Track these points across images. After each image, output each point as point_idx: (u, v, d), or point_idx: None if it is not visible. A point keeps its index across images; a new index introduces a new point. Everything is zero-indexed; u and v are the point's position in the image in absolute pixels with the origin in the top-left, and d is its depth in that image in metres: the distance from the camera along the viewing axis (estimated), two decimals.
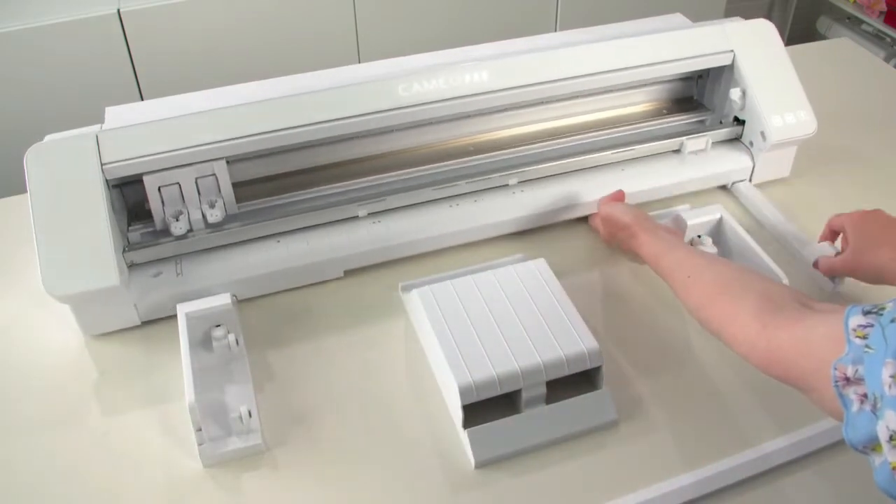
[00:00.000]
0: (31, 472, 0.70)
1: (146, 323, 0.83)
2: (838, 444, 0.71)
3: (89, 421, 0.75)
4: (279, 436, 0.73)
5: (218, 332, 0.78)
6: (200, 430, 0.68)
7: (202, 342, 0.79)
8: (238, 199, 0.87)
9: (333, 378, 0.78)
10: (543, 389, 0.72)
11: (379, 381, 0.78)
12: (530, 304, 0.77)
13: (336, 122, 0.85)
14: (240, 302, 0.86)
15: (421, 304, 0.78)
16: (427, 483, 0.69)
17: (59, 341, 0.82)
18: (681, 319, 0.83)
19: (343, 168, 0.92)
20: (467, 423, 0.70)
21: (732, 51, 0.97)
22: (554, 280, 0.80)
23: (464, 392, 0.69)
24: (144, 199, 0.84)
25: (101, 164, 0.79)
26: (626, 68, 0.94)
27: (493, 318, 0.76)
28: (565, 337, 0.74)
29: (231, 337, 0.78)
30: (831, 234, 0.87)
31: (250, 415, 0.71)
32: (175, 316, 0.79)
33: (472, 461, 0.69)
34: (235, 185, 0.86)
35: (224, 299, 0.80)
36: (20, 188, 0.83)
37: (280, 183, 0.90)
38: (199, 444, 0.69)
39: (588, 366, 0.73)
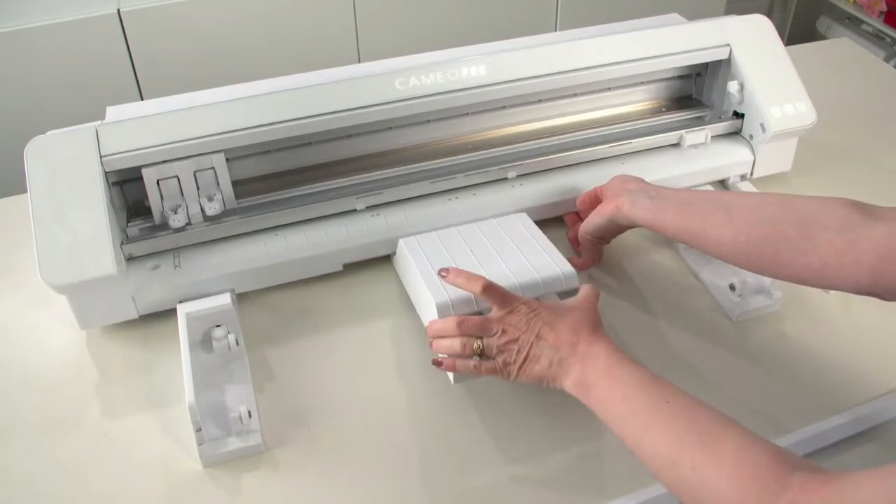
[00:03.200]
0: (31, 473, 0.70)
1: (146, 322, 0.83)
2: (832, 447, 0.71)
3: (89, 421, 0.75)
4: (279, 436, 0.73)
5: (218, 333, 0.78)
6: (200, 430, 0.68)
7: (202, 342, 0.79)
8: (237, 194, 0.87)
9: (333, 377, 0.78)
10: None
11: (378, 379, 0.78)
12: (509, 242, 0.81)
13: (334, 116, 0.85)
14: (239, 299, 0.86)
15: (406, 250, 0.81)
16: (426, 483, 0.69)
17: (59, 341, 0.83)
18: (682, 319, 0.83)
19: (341, 162, 0.92)
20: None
21: (729, 45, 0.97)
22: (533, 226, 0.84)
23: (441, 309, 0.71)
24: (144, 198, 0.84)
25: (101, 156, 0.79)
26: (623, 62, 0.94)
27: (474, 255, 0.80)
28: (542, 264, 0.77)
29: (231, 337, 0.78)
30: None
31: (250, 415, 0.71)
32: (174, 311, 0.79)
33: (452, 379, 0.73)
34: (234, 181, 0.86)
35: (224, 299, 0.80)
36: (20, 188, 0.83)
37: (278, 177, 0.90)
38: (199, 445, 0.69)
39: (564, 286, 0.76)
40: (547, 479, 0.69)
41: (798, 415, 0.73)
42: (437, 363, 0.71)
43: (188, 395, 0.68)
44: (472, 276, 0.70)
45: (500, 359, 0.68)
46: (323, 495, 0.68)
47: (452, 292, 0.73)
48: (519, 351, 0.67)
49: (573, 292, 0.74)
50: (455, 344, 0.69)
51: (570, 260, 0.83)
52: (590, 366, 0.64)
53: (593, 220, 0.83)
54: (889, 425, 0.72)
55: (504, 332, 0.67)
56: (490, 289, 0.69)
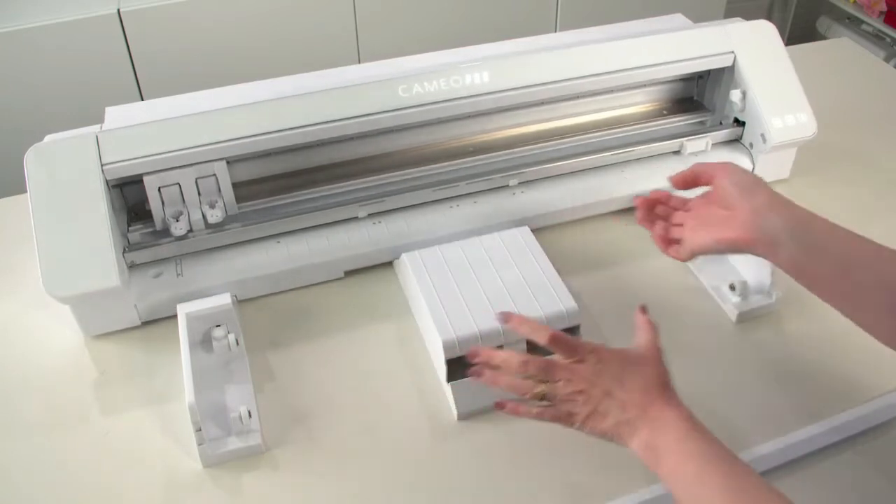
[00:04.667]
0: (31, 472, 0.70)
1: (146, 323, 0.84)
2: (832, 447, 0.71)
3: (89, 421, 0.75)
4: (279, 436, 0.73)
5: (218, 332, 0.78)
6: (200, 430, 0.68)
7: (202, 342, 0.79)
8: (238, 200, 0.87)
9: (333, 378, 0.78)
10: (524, 346, 0.75)
11: (378, 381, 0.78)
12: (513, 267, 0.82)
13: (336, 124, 0.85)
14: (240, 302, 0.86)
15: (410, 266, 0.82)
16: (426, 483, 0.69)
17: (59, 341, 0.83)
18: (682, 319, 0.83)
19: (343, 168, 0.92)
20: (451, 377, 0.74)
21: (733, 52, 0.97)
22: (536, 245, 0.84)
23: (447, 347, 0.73)
24: (145, 199, 0.84)
25: (102, 165, 0.79)
26: (627, 69, 0.94)
27: (478, 279, 0.80)
28: (545, 297, 0.78)
29: (231, 337, 0.78)
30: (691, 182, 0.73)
31: (250, 415, 0.71)
32: (175, 316, 0.79)
33: (455, 413, 0.73)
34: (235, 186, 0.86)
35: (224, 299, 0.80)
36: (20, 188, 0.83)
37: (280, 183, 0.90)
38: (199, 444, 0.69)
39: (567, 324, 0.76)
40: (548, 479, 0.69)
41: (798, 415, 0.73)
42: (501, 406, 0.66)
43: (188, 394, 0.68)
44: (537, 327, 0.66)
45: (564, 407, 0.64)
46: (323, 495, 0.68)
47: (459, 329, 0.74)
48: (585, 403, 0.63)
49: (575, 329, 0.74)
50: (519, 384, 0.65)
51: (667, 253, 0.74)
52: (659, 431, 0.61)
53: (711, 246, 0.70)
54: (889, 425, 0.72)
55: (570, 381, 0.63)
56: (557, 340, 0.64)
